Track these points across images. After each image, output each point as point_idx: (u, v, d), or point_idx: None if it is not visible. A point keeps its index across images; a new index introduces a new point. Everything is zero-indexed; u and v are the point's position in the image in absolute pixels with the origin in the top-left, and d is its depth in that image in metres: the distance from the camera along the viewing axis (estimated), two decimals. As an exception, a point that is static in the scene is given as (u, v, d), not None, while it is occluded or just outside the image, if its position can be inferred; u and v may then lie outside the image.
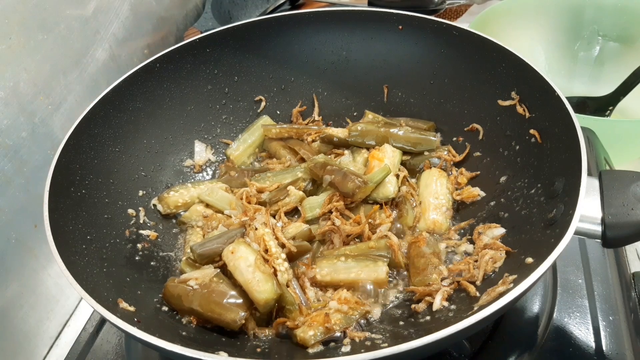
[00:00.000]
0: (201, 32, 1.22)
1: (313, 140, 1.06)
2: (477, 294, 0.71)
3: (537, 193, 0.78)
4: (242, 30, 1.07)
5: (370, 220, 0.89)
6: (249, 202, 0.94)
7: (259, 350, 0.71)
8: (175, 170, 1.04)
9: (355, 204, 0.92)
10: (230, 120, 1.11)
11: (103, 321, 0.90)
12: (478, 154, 0.97)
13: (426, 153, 1.00)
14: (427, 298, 0.75)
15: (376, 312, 0.78)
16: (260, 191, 0.97)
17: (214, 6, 1.56)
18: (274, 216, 0.92)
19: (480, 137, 0.97)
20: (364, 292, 0.80)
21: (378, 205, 0.91)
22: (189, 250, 0.86)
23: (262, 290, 0.73)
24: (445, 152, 0.99)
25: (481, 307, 0.60)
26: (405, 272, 0.84)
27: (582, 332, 0.77)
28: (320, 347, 0.70)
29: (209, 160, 1.08)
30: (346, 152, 1.03)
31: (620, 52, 1.42)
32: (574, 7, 1.44)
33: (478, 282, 0.74)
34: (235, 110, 1.12)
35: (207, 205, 0.96)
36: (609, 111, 1.30)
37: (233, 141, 1.10)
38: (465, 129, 0.99)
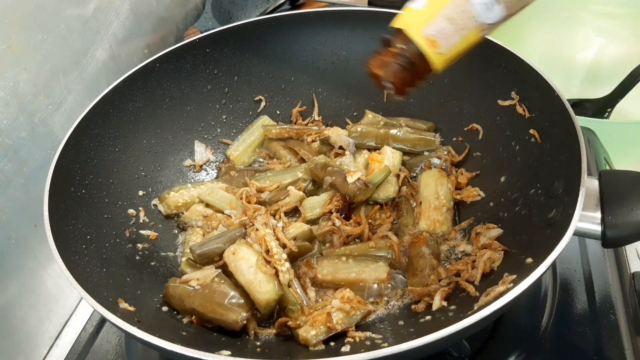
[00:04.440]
0: (201, 32, 1.22)
1: (313, 141, 1.07)
2: (477, 294, 0.71)
3: (537, 193, 0.78)
4: (242, 30, 1.07)
5: (370, 220, 0.89)
6: (249, 202, 0.94)
7: (259, 350, 0.71)
8: (175, 170, 1.04)
9: (356, 205, 0.92)
10: (230, 120, 1.11)
11: (103, 321, 0.90)
12: (478, 154, 0.97)
13: (426, 153, 1.00)
14: (426, 298, 0.76)
15: (377, 312, 0.78)
16: (260, 191, 0.97)
17: (214, 6, 1.56)
18: (273, 216, 0.92)
19: (480, 137, 0.97)
20: (365, 292, 0.80)
21: (378, 206, 0.91)
22: (188, 251, 0.86)
23: (264, 291, 0.73)
24: (445, 152, 0.99)
25: (481, 307, 0.60)
26: (406, 272, 0.84)
27: (582, 332, 0.77)
28: (321, 347, 0.70)
29: (209, 160, 1.08)
30: (347, 152, 1.03)
31: (618, 53, 1.42)
32: (573, 8, 1.44)
33: (476, 282, 0.74)
34: (235, 110, 1.12)
35: (207, 205, 0.96)
36: (607, 113, 1.29)
37: (233, 141, 1.10)
38: (465, 129, 0.99)
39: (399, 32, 0.61)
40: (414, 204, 0.92)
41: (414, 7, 0.60)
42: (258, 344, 0.73)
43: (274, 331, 0.76)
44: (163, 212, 0.96)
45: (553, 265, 0.82)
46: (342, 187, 0.89)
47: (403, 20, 0.61)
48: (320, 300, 0.81)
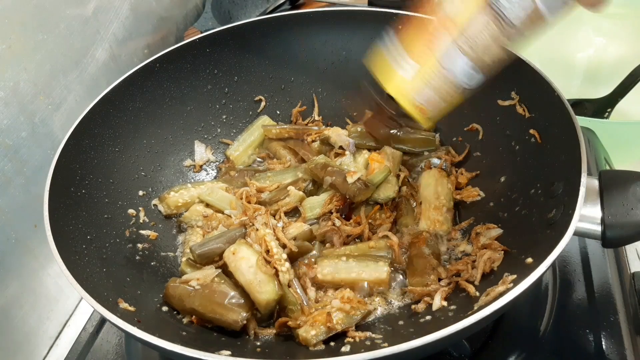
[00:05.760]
0: (201, 32, 1.22)
1: (313, 141, 1.07)
2: (477, 294, 0.71)
3: (537, 193, 0.78)
4: (242, 30, 1.07)
5: (370, 220, 0.89)
6: (249, 202, 0.94)
7: (259, 350, 0.71)
8: (175, 170, 1.04)
9: (356, 205, 0.92)
10: (230, 120, 1.12)
11: (103, 321, 0.90)
12: (478, 154, 0.97)
13: (426, 153, 1.00)
14: (426, 298, 0.76)
15: (377, 312, 0.78)
16: (260, 191, 0.97)
17: (214, 6, 1.56)
18: (273, 216, 0.92)
19: (480, 137, 0.97)
20: (365, 292, 0.80)
21: (378, 206, 0.91)
22: (188, 251, 0.86)
23: (264, 291, 0.73)
24: (445, 153, 0.99)
25: (481, 307, 0.60)
26: (406, 272, 0.84)
27: (582, 332, 0.77)
28: (321, 347, 0.70)
29: (209, 160, 1.08)
30: (347, 152, 1.03)
31: (618, 52, 1.42)
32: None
33: (476, 282, 0.74)
34: (235, 110, 1.12)
35: (207, 205, 0.96)
36: (607, 113, 1.29)
37: (233, 141, 1.10)
38: (465, 129, 0.99)
39: (389, 97, 0.67)
40: (414, 204, 0.92)
41: (404, 76, 0.65)
42: (258, 344, 0.73)
43: (274, 331, 0.76)
44: (163, 212, 0.96)
45: (553, 265, 0.82)
46: (342, 187, 0.89)
47: (394, 87, 0.67)
48: (320, 300, 0.81)
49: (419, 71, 0.63)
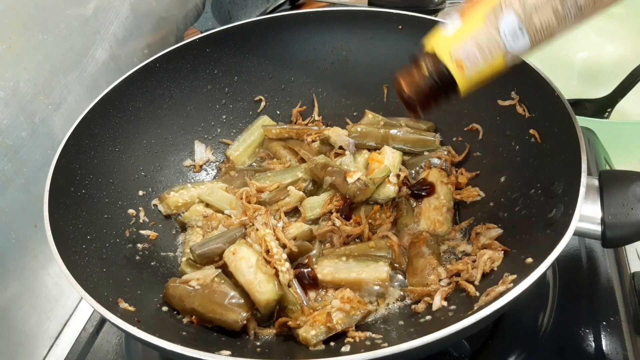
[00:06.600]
0: (201, 32, 1.22)
1: (313, 141, 1.07)
2: (477, 294, 0.71)
3: (537, 193, 0.78)
4: (242, 30, 1.08)
5: (370, 220, 0.89)
6: (249, 202, 0.94)
7: (259, 350, 0.71)
8: (175, 170, 1.04)
9: (356, 205, 0.92)
10: (230, 120, 1.12)
11: (103, 321, 0.90)
12: (478, 154, 0.97)
13: (426, 153, 1.00)
14: (426, 298, 0.76)
15: (377, 312, 0.78)
16: (260, 191, 0.97)
17: (214, 6, 1.56)
18: (273, 216, 0.92)
19: (480, 137, 0.97)
20: (365, 292, 0.80)
21: (378, 206, 0.91)
22: (188, 251, 0.86)
23: (264, 291, 0.73)
24: (445, 152, 0.99)
25: (481, 307, 0.60)
26: (406, 272, 0.84)
27: (582, 332, 0.77)
28: (321, 347, 0.70)
29: (209, 160, 1.08)
30: (347, 152, 1.03)
31: (617, 52, 1.42)
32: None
33: (476, 282, 0.74)
34: (235, 110, 1.12)
35: (207, 205, 0.96)
36: (607, 113, 1.29)
37: (233, 141, 1.10)
38: (465, 129, 0.99)
39: (429, 53, 0.64)
40: (414, 204, 0.92)
41: (444, 34, 0.63)
42: (258, 344, 0.73)
43: (274, 331, 0.76)
44: (163, 212, 0.96)
45: (553, 265, 0.82)
46: (342, 187, 0.89)
47: (433, 42, 0.64)
48: (320, 299, 0.81)
49: (463, 26, 0.61)
